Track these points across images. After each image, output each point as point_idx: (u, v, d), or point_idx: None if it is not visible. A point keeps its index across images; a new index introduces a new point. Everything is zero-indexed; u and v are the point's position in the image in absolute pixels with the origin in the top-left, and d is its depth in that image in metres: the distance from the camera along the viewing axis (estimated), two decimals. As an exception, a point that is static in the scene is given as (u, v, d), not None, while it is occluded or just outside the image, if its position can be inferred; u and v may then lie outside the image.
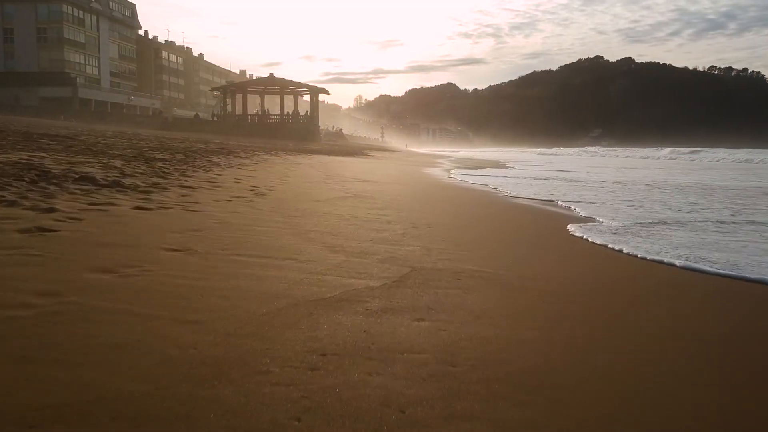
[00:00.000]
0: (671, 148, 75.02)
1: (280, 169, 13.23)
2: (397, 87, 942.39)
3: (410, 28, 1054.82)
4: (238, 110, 60.97)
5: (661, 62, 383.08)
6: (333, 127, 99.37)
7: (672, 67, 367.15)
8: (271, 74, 61.20)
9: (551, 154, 74.52)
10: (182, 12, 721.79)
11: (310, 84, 61.54)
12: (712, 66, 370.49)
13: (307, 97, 64.96)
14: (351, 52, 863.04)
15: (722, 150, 65.91)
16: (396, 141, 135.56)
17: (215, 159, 13.00)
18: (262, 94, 63.26)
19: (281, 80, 61.06)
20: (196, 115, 63.31)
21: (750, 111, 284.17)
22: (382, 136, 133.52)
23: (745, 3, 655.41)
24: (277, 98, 63.40)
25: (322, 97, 68.77)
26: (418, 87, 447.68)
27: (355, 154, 33.48)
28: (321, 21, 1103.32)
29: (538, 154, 77.05)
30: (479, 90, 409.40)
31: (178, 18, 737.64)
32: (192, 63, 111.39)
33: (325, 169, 15.70)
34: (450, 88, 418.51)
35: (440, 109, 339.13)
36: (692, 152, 63.64)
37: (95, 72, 78.04)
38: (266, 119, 60.26)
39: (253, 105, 65.17)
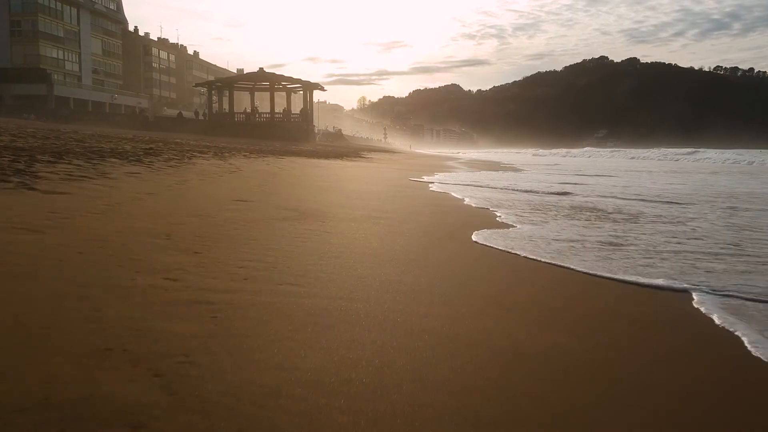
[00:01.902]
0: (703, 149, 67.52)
1: (161, 186, 7.63)
2: (401, 88, 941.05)
3: (414, 29, 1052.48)
4: (228, 108, 56.04)
5: (666, 62, 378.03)
6: (333, 127, 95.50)
7: (678, 68, 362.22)
8: (260, 69, 56.08)
9: (568, 156, 69.60)
10: (187, 15, 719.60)
11: (303, 79, 56.37)
12: (718, 66, 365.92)
13: (305, 95, 59.86)
14: (355, 54, 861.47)
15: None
16: (399, 142, 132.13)
17: (70, 167, 7.63)
18: (251, 91, 58.17)
19: (272, 75, 56.00)
20: (179, 114, 58.22)
21: (758, 111, 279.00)
22: (385, 137, 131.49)
23: (750, 3, 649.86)
24: (271, 96, 58.30)
25: (324, 97, 64.17)
26: (421, 88, 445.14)
27: (348, 156, 28.48)
28: (325, 23, 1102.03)
29: (536, 155, 71.73)
30: (483, 91, 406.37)
31: (183, 21, 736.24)
32: (185, 61, 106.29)
33: (266, 184, 10.01)
34: (454, 89, 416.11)
35: (444, 110, 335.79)
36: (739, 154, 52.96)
37: (75, 68, 72.63)
38: (254, 118, 55.15)
39: (246, 103, 60.29)
